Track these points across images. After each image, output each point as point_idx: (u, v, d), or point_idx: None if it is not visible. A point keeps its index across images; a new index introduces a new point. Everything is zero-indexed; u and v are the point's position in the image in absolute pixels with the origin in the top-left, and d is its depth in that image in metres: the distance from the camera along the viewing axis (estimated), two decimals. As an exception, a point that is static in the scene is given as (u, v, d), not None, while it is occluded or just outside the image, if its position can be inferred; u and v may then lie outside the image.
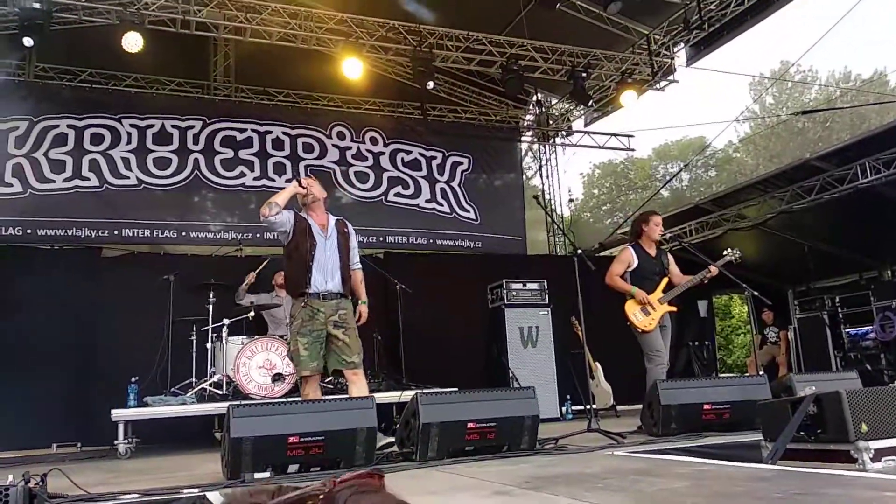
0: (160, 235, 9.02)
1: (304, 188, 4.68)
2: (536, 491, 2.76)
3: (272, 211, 4.51)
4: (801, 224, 9.17)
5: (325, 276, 4.59)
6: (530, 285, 7.97)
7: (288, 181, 9.58)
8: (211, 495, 3.15)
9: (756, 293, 6.07)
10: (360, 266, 4.94)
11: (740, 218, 9.71)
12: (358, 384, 4.61)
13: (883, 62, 34.34)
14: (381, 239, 9.94)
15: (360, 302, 4.84)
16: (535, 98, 11.79)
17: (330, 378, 6.65)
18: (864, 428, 2.90)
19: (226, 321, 6.83)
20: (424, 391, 4.47)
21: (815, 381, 4.42)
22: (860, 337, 9.17)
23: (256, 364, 6.51)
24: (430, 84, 9.05)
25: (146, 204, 9.00)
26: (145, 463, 5.49)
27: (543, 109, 12.28)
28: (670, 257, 5.92)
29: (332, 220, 4.82)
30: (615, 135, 12.36)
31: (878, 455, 2.85)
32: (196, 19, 8.25)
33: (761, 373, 9.11)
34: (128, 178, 9.01)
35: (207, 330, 6.89)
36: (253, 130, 9.80)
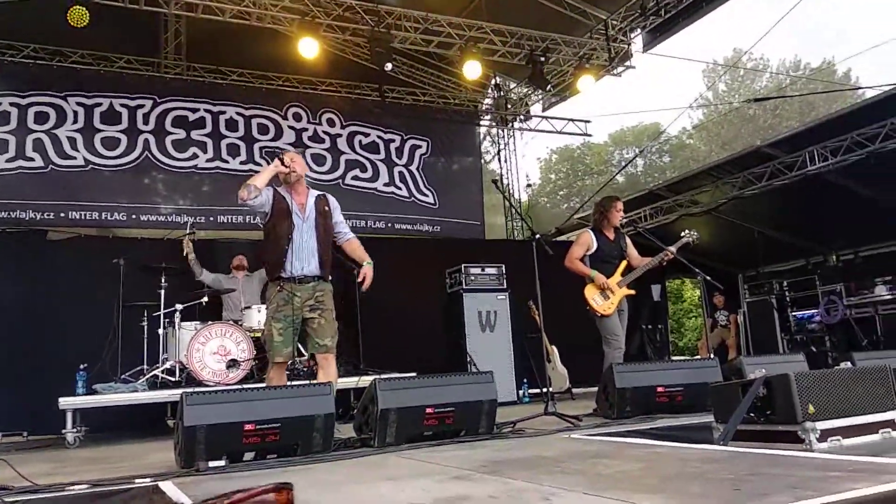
0: (109, 218, 8.78)
1: (286, 167, 4.47)
2: (495, 475, 2.77)
3: (250, 194, 4.33)
4: (751, 210, 9.38)
5: (301, 260, 4.45)
6: (489, 270, 7.98)
7: (242, 163, 9.51)
8: (164, 485, 3.09)
9: (709, 278, 6.20)
10: (351, 235, 4.83)
11: (693, 203, 9.89)
12: (327, 369, 4.56)
13: (831, 51, 35.30)
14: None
15: (364, 263, 4.75)
16: (493, 81, 11.77)
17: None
18: (811, 409, 2.99)
19: (178, 306, 6.67)
20: (382, 377, 4.44)
21: (765, 363, 4.55)
22: (806, 320, 9.48)
23: (210, 350, 6.38)
24: (389, 66, 8.95)
25: (94, 185, 8.74)
26: (95, 452, 5.35)
27: (502, 93, 12.28)
28: (628, 240, 5.99)
29: (312, 198, 4.62)
30: (573, 120, 12.45)
31: (824, 435, 2.93)
32: (145, -6, 7.99)
33: (712, 355, 9.34)
34: (74, 158, 8.73)
35: (159, 315, 6.73)
36: (206, 111, 9.57)
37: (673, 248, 5.72)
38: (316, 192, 4.71)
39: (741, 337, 10.42)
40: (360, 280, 4.69)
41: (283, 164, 4.48)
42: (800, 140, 8.31)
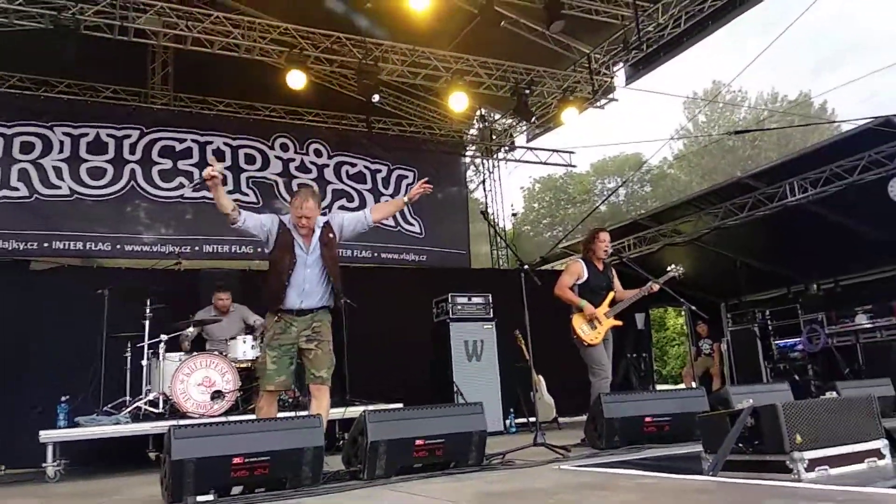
0: (93, 248, 8.70)
1: (208, 177, 4.27)
2: (488, 509, 2.77)
3: (230, 218, 4.34)
4: (733, 240, 9.52)
5: (300, 295, 4.42)
6: (475, 299, 8.00)
7: (229, 192, 9.48)
8: (152, 521, 3.05)
9: (694, 307, 6.27)
10: (368, 211, 4.84)
11: (676, 233, 10.01)
12: (320, 400, 4.50)
13: (808, 85, 36.10)
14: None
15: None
16: (478, 113, 11.91)
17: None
18: (799, 439, 3.01)
19: (163, 337, 6.60)
20: (372, 408, 4.42)
21: (750, 393, 4.59)
22: (789, 348, 9.58)
23: (195, 381, 6.32)
24: (376, 97, 9.06)
25: (78, 215, 8.68)
26: (76, 486, 5.25)
27: (487, 124, 12.42)
28: (614, 272, 6.06)
29: (318, 229, 4.56)
30: (557, 150, 12.61)
31: (812, 465, 2.96)
32: (134, 26, 8.03)
33: (694, 384, 9.40)
34: (59, 187, 8.68)
35: (143, 346, 6.65)
36: (193, 140, 9.58)
37: (658, 284, 5.82)
38: (322, 221, 4.62)
39: (725, 365, 10.49)
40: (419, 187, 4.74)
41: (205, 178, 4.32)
42: (780, 172, 8.47)
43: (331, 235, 4.58)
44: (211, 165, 4.24)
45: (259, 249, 6.73)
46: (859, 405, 3.26)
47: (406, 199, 4.93)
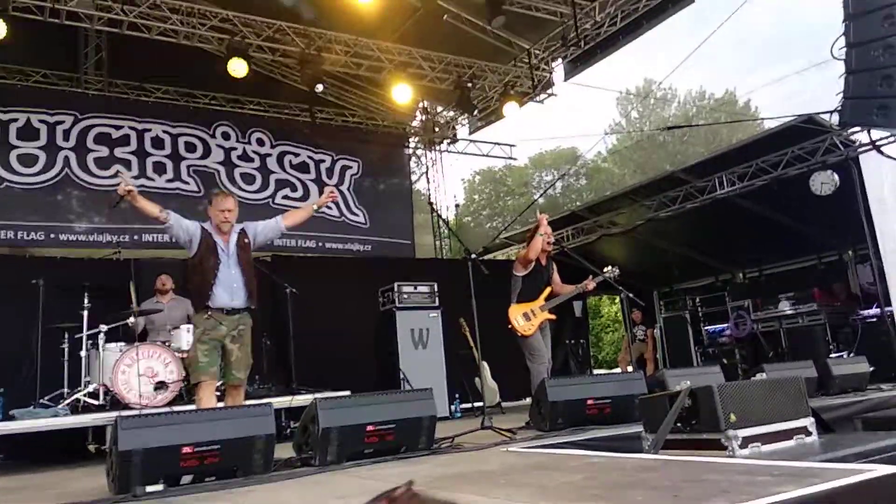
0: (25, 237, 8.38)
1: (123, 192, 4.55)
2: (444, 491, 2.85)
3: (159, 220, 4.63)
4: (666, 231, 9.89)
5: (229, 293, 4.66)
6: (421, 288, 8.08)
7: (169, 181, 9.30)
8: (106, 511, 3.03)
9: (631, 295, 6.54)
10: (280, 217, 5.09)
11: (613, 224, 10.33)
12: (235, 398, 4.76)
13: (733, 83, 37.49)
14: (268, 242, 9.70)
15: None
16: (421, 105, 11.97)
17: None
18: (733, 418, 3.22)
19: (102, 327, 6.45)
20: (322, 396, 4.48)
21: (685, 375, 4.83)
22: (717, 334, 10.04)
23: (137, 372, 6.21)
24: (320, 87, 9.01)
25: (8, 203, 8.35)
26: (14, 481, 5.08)
27: (430, 116, 12.49)
28: (555, 266, 6.28)
29: (235, 234, 4.83)
30: (498, 143, 12.80)
31: (745, 442, 3.16)
32: (66, 8, 7.77)
33: (630, 368, 9.77)
34: (-13, 175, 8.32)
35: (81, 337, 6.49)
36: (130, 128, 9.32)
37: (593, 283, 6.13)
38: (238, 227, 4.89)
39: (658, 350, 10.91)
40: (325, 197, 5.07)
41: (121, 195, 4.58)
42: (710, 166, 8.86)
43: (246, 241, 4.87)
44: (121, 178, 4.63)
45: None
46: (788, 386, 3.47)
47: (315, 206, 5.25)
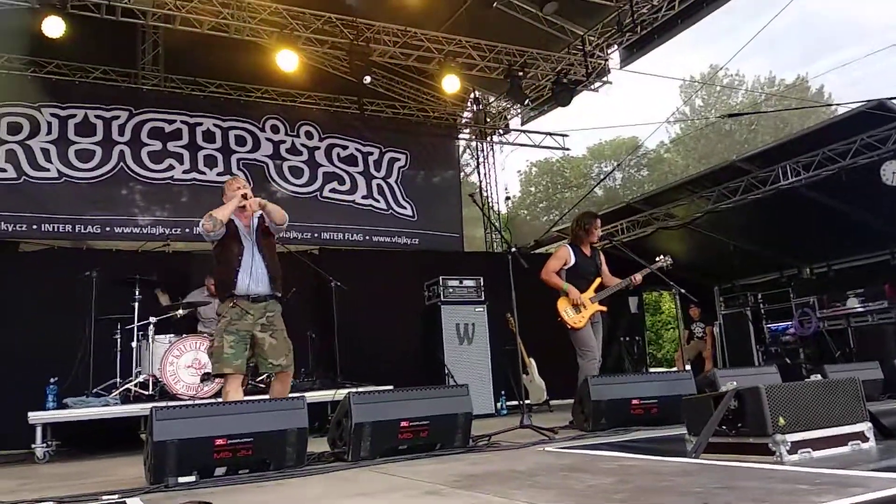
0: (83, 230, 8.64)
1: (246, 202, 4.58)
2: (467, 490, 2.76)
3: (215, 228, 4.46)
4: (726, 223, 9.48)
5: (253, 279, 4.52)
6: (466, 282, 7.98)
7: (220, 174, 9.45)
8: (131, 501, 3.05)
9: (683, 291, 6.25)
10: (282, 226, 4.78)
11: (669, 217, 9.97)
12: (283, 384, 4.64)
13: (805, 68, 35.97)
14: (315, 235, 9.79)
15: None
16: (472, 95, 11.83)
17: (261, 377, 6.52)
18: (782, 421, 3.00)
19: (152, 319, 6.58)
20: (356, 390, 4.42)
21: (737, 375, 4.59)
22: (781, 332, 9.57)
23: (185, 363, 6.33)
24: (367, 79, 8.97)
25: (68, 197, 8.62)
26: (64, 468, 5.25)
27: (481, 107, 12.34)
28: (603, 257, 6.06)
29: (256, 218, 4.73)
30: (550, 134, 12.53)
31: (795, 447, 2.95)
32: (122, 5, 7.94)
33: (687, 367, 9.41)
34: (47, 170, 8.61)
35: (133, 328, 6.64)
36: (182, 122, 9.49)
37: (639, 277, 5.86)
38: (259, 212, 4.77)
39: (717, 349, 10.51)
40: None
41: (244, 198, 4.58)
42: (773, 155, 8.42)
43: (266, 225, 4.73)
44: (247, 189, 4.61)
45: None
46: (843, 388, 3.24)
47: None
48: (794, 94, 25.90)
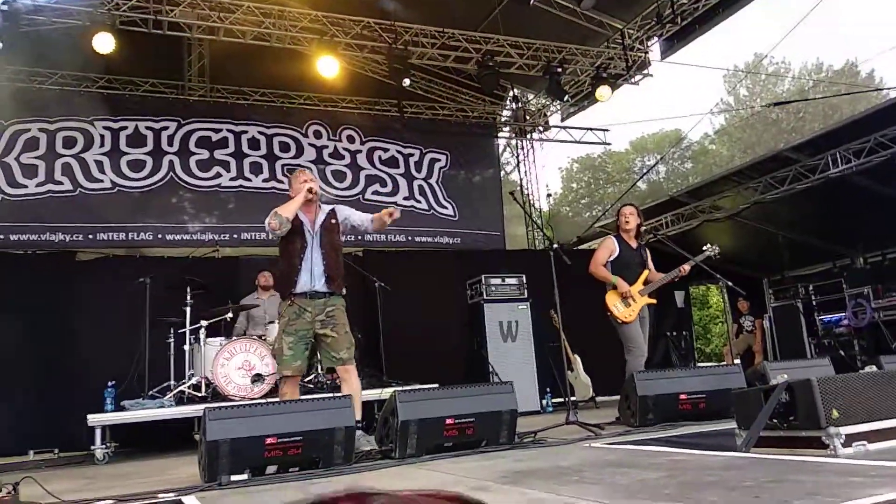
0: (136, 238, 8.94)
1: (313, 194, 4.60)
2: (513, 485, 2.78)
3: (281, 226, 4.45)
4: (774, 214, 9.27)
5: (312, 276, 4.51)
6: (509, 280, 7.99)
7: (265, 180, 9.65)
8: (187, 499, 3.14)
9: (730, 283, 6.15)
10: (369, 226, 4.80)
11: (715, 209, 9.80)
12: (348, 381, 4.60)
13: (854, 53, 34.84)
14: (359, 237, 9.88)
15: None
16: (511, 94, 11.81)
17: (309, 378, 6.64)
18: (835, 414, 2.94)
19: (203, 322, 6.77)
20: (402, 389, 4.47)
21: (789, 368, 4.49)
22: (834, 324, 9.31)
23: (235, 365, 6.47)
24: (407, 81, 9.04)
25: (121, 207, 8.92)
26: (123, 468, 5.44)
27: (520, 105, 12.31)
28: (648, 252, 5.99)
29: (323, 214, 4.69)
30: (591, 129, 12.43)
31: (849, 440, 2.88)
32: (168, 19, 8.15)
33: (737, 361, 9.23)
34: (101, 181, 8.93)
35: (185, 332, 6.84)
36: (228, 130, 9.73)
37: (687, 267, 5.78)
38: (328, 208, 4.76)
39: (767, 342, 10.27)
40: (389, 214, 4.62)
41: (311, 192, 4.58)
42: (821, 143, 8.21)
43: (333, 221, 4.70)
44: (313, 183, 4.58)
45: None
46: (899, 378, 3.16)
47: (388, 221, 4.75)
48: (844, 80, 25.11)
